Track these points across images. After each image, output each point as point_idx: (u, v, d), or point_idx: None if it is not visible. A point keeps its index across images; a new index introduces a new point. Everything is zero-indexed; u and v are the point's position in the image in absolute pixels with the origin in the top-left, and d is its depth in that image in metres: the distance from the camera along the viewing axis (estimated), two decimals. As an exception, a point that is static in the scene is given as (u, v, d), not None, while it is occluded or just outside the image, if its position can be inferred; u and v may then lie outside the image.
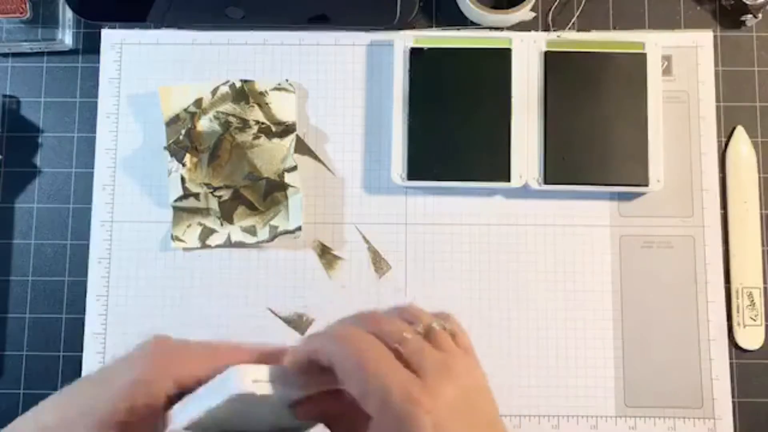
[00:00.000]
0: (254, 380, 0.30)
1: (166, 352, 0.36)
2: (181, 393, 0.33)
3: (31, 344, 0.49)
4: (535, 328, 0.49)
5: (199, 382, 0.33)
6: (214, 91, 0.50)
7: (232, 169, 0.49)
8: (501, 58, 0.50)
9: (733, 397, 0.48)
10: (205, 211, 0.49)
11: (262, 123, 0.49)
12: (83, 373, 0.49)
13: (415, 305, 0.34)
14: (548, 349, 0.49)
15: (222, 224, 0.49)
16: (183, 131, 0.49)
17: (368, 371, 0.30)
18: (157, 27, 0.52)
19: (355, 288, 0.49)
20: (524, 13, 0.50)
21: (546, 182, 0.49)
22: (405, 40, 0.50)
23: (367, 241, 0.50)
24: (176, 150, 0.49)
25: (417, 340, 0.32)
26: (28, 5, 0.51)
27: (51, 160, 0.51)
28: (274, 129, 0.49)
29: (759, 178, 0.50)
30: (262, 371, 0.30)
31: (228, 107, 0.49)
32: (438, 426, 0.30)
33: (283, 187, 0.49)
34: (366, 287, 0.50)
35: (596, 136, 0.49)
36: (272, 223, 0.49)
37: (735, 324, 0.49)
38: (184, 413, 0.30)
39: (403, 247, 0.50)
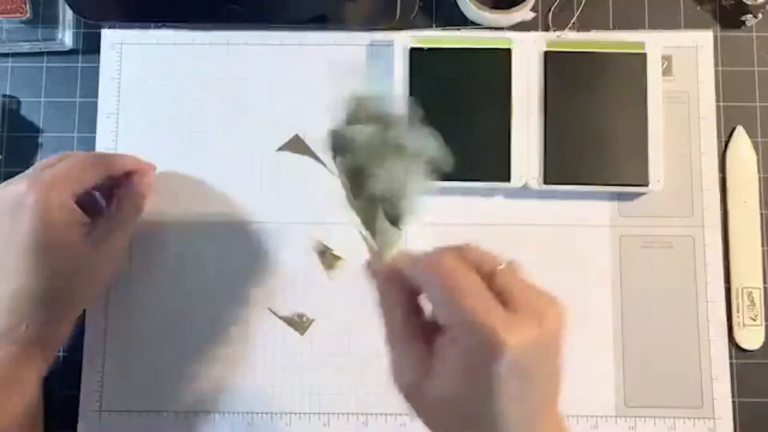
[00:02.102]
0: None
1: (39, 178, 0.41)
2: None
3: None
4: (535, 328, 0.49)
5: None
6: None
7: None
8: (501, 58, 0.50)
9: (733, 397, 0.48)
10: None
11: None
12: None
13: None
14: (548, 349, 0.49)
15: None
16: None
17: (456, 296, 0.31)
18: (157, 27, 0.52)
19: (355, 288, 0.49)
20: (524, 13, 0.50)
21: (546, 182, 0.49)
22: (405, 40, 0.50)
23: (367, 241, 0.50)
24: None
25: (510, 273, 0.32)
26: (28, 5, 0.51)
27: (51, 160, 0.51)
28: None
29: (759, 178, 0.50)
30: None
31: None
32: (514, 364, 0.30)
33: None
34: (366, 287, 0.50)
35: (596, 136, 0.49)
36: None
37: (735, 324, 0.49)
38: None
39: (404, 247, 0.50)
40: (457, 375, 0.31)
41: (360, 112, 0.36)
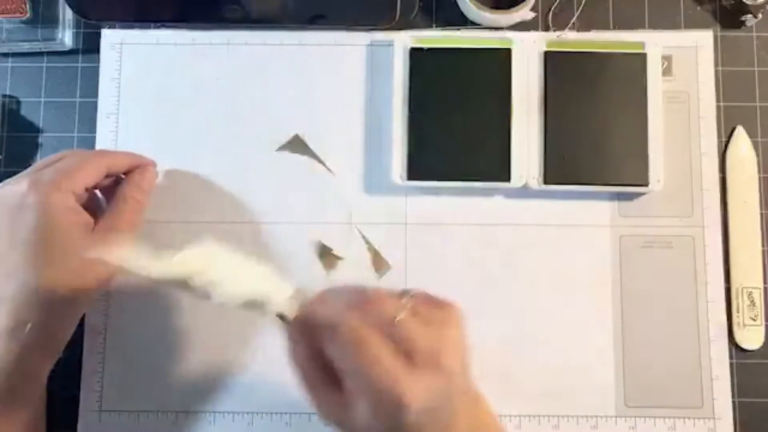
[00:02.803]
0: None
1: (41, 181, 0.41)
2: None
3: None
4: (534, 327, 0.49)
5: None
6: None
7: None
8: (501, 58, 0.50)
9: (733, 397, 0.48)
10: None
11: None
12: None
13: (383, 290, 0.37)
14: (548, 349, 0.49)
15: None
16: None
17: (360, 365, 0.34)
18: (157, 27, 0.52)
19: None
20: (524, 13, 0.50)
21: (546, 182, 0.49)
22: (405, 40, 0.50)
23: (367, 241, 0.50)
24: None
25: (407, 323, 0.35)
26: (28, 5, 0.51)
27: (51, 160, 0.51)
28: None
29: (759, 178, 0.50)
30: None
31: None
32: (421, 413, 0.33)
33: None
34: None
35: (596, 136, 0.49)
36: None
37: (735, 324, 0.49)
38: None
39: (403, 247, 0.50)
40: (372, 422, 0.34)
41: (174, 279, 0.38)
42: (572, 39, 0.51)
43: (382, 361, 0.34)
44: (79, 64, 0.52)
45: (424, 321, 0.35)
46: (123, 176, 0.47)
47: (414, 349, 0.34)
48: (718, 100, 0.51)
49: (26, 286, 0.40)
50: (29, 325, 0.40)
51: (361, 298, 0.36)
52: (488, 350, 0.48)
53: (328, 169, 0.51)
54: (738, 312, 0.49)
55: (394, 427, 0.34)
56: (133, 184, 0.46)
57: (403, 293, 0.37)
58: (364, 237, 0.50)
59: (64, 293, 0.41)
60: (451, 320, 0.36)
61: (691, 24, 0.52)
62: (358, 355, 0.34)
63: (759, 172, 0.50)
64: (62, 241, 0.41)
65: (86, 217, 0.43)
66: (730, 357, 0.49)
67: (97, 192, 0.47)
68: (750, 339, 0.49)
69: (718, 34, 0.52)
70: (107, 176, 0.45)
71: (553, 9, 0.52)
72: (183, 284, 0.37)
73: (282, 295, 0.37)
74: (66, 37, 0.52)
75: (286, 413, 0.48)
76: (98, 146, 0.51)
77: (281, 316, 0.37)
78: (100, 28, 0.52)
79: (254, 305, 0.37)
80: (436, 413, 0.34)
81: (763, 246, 0.50)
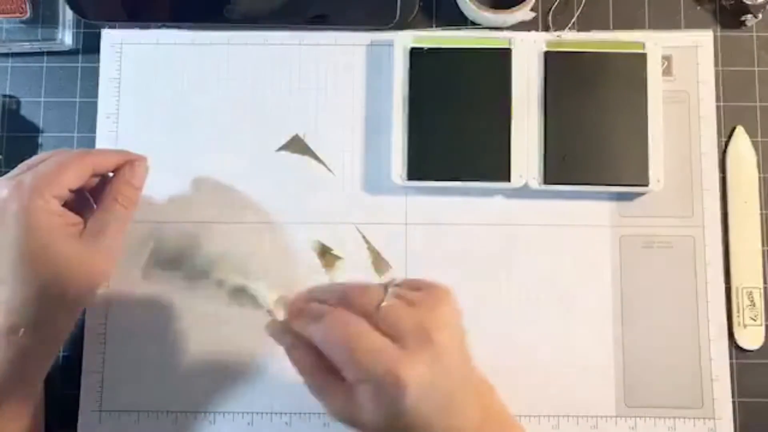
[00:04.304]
0: None
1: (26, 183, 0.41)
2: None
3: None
4: (534, 328, 0.49)
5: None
6: None
7: None
8: (501, 58, 0.50)
9: (733, 397, 0.48)
10: None
11: None
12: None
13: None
14: (548, 349, 0.49)
15: None
16: None
17: (354, 358, 0.34)
18: (157, 27, 0.52)
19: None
20: (524, 13, 0.50)
21: (546, 182, 0.49)
22: (405, 40, 0.50)
23: (367, 241, 0.50)
24: None
25: (393, 307, 0.35)
26: (28, 5, 0.51)
27: (51, 160, 0.51)
28: None
29: (759, 178, 0.50)
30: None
31: None
32: (419, 392, 0.34)
33: None
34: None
35: (596, 136, 0.49)
36: None
37: (735, 324, 0.49)
38: None
39: (403, 247, 0.50)
40: (376, 410, 0.34)
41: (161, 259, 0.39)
42: (572, 39, 0.51)
43: (374, 348, 0.34)
44: (79, 64, 0.52)
45: (410, 303, 0.35)
46: (112, 174, 0.46)
47: (402, 331, 0.34)
48: (718, 100, 0.51)
49: (16, 292, 0.40)
50: (22, 330, 0.40)
51: (344, 292, 0.36)
52: (488, 350, 0.48)
53: (328, 169, 0.51)
54: (738, 312, 0.49)
55: (397, 412, 0.34)
56: (122, 180, 0.44)
57: (389, 282, 0.37)
58: (364, 237, 0.50)
59: (56, 296, 0.41)
60: (440, 300, 0.36)
61: (691, 24, 0.52)
62: (349, 347, 0.34)
63: (759, 172, 0.50)
64: (48, 247, 0.40)
65: (72, 219, 0.42)
66: (730, 357, 0.49)
67: (86, 192, 0.45)
68: (750, 339, 0.49)
69: (718, 34, 0.52)
70: (94, 175, 0.44)
71: (553, 9, 0.52)
72: (181, 259, 0.37)
73: (270, 297, 0.38)
74: (66, 37, 0.52)
75: (286, 413, 0.48)
76: (98, 146, 0.51)
77: (270, 323, 0.38)
78: (100, 28, 0.52)
79: (245, 294, 0.37)
80: (437, 395, 0.35)
81: (763, 246, 0.50)
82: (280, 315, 0.37)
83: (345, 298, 0.36)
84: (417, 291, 0.37)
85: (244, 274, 0.38)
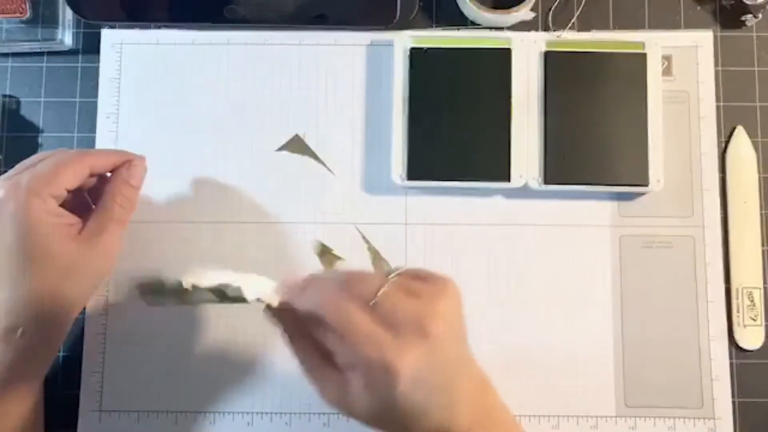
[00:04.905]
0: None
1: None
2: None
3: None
4: (534, 328, 0.49)
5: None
6: None
7: None
8: (501, 58, 0.50)
9: (733, 397, 0.48)
10: None
11: None
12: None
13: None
14: (548, 349, 0.49)
15: None
16: None
17: (347, 342, 0.34)
18: (157, 27, 0.52)
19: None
20: (524, 13, 0.50)
21: (546, 182, 0.49)
22: (405, 40, 0.50)
23: (367, 241, 0.50)
24: None
25: (391, 296, 0.35)
26: (28, 5, 0.51)
27: (51, 160, 0.51)
28: None
29: (759, 178, 0.50)
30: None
31: None
32: (412, 381, 0.34)
33: None
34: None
35: (596, 136, 0.49)
36: None
37: (735, 324, 0.49)
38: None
39: (403, 247, 0.50)
40: (369, 397, 0.34)
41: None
42: (572, 39, 0.51)
43: (368, 334, 0.34)
44: (79, 64, 0.52)
45: (409, 293, 0.35)
46: (110, 174, 0.45)
47: (397, 319, 0.34)
48: (718, 100, 0.51)
49: (14, 292, 0.40)
50: (20, 330, 0.40)
51: (343, 279, 0.36)
52: (488, 350, 0.48)
53: (328, 169, 0.51)
54: (738, 312, 0.49)
55: (389, 398, 0.34)
56: (120, 180, 0.44)
57: (391, 271, 0.37)
58: (364, 237, 0.50)
59: (54, 296, 0.41)
60: (441, 292, 0.36)
61: (691, 24, 0.52)
62: (343, 332, 0.34)
63: (759, 172, 0.50)
64: (44, 247, 0.40)
65: (70, 219, 0.42)
66: (730, 357, 0.49)
67: (84, 193, 0.46)
68: (750, 339, 0.49)
69: (718, 34, 0.52)
70: (92, 175, 0.44)
71: (553, 9, 0.52)
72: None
73: (265, 287, 0.37)
74: (66, 37, 0.52)
75: (286, 413, 0.48)
76: (98, 146, 0.51)
77: (267, 306, 0.38)
78: (100, 28, 0.52)
79: (228, 290, 0.37)
80: (430, 385, 0.34)
81: (763, 246, 0.50)
82: (276, 300, 0.37)
83: (344, 283, 0.36)
84: (419, 281, 0.36)
85: (228, 271, 0.38)
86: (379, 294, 0.35)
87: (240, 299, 0.38)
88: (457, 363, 0.36)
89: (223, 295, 0.38)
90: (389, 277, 0.36)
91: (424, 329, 0.34)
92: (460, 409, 0.36)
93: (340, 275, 0.37)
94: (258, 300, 0.37)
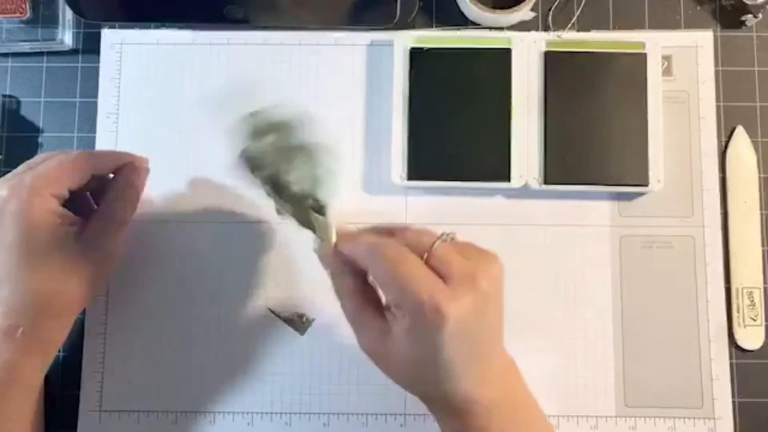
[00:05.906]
0: None
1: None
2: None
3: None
4: (534, 328, 0.49)
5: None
6: None
7: None
8: (501, 58, 0.50)
9: (733, 397, 0.48)
10: None
11: None
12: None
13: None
14: (548, 349, 0.49)
15: None
16: None
17: (400, 280, 0.35)
18: (157, 27, 0.52)
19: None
20: (524, 13, 0.50)
21: (546, 182, 0.49)
22: (405, 40, 0.50)
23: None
24: None
25: (444, 248, 0.37)
26: (28, 5, 0.51)
27: (51, 160, 0.51)
28: None
29: (759, 178, 0.50)
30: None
31: None
32: (456, 328, 0.35)
33: None
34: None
35: (596, 136, 0.49)
36: None
37: (735, 324, 0.49)
38: None
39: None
40: (410, 341, 0.35)
41: (259, 125, 0.40)
42: (572, 39, 0.51)
43: (421, 276, 0.35)
44: (79, 64, 0.52)
45: (463, 253, 0.37)
46: (112, 176, 0.46)
47: (450, 271, 0.35)
48: (718, 100, 0.51)
49: (16, 291, 0.40)
50: (21, 330, 0.40)
51: (399, 229, 0.38)
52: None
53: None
54: (738, 312, 0.49)
55: (431, 344, 0.35)
56: (122, 181, 0.44)
57: (443, 234, 0.38)
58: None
59: (54, 296, 0.41)
60: (493, 259, 0.37)
61: (691, 24, 0.52)
62: (397, 272, 0.35)
63: (759, 172, 0.50)
64: (46, 246, 0.40)
65: (71, 219, 0.42)
66: (730, 357, 0.49)
67: (87, 194, 0.46)
68: (750, 339, 0.49)
69: (718, 34, 0.52)
70: (95, 176, 0.44)
71: (553, 9, 0.52)
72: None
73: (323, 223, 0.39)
74: (66, 37, 0.52)
75: (286, 413, 0.48)
76: (98, 146, 0.51)
77: (322, 245, 0.39)
78: (100, 28, 0.52)
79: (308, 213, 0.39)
80: (471, 340, 0.35)
81: (763, 246, 0.50)
82: (334, 238, 0.39)
83: (399, 233, 0.38)
84: (472, 249, 0.38)
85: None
86: (434, 246, 0.36)
87: (322, 212, 0.39)
88: (495, 330, 0.38)
89: (301, 212, 0.39)
90: (442, 236, 0.37)
91: (476, 283, 0.35)
92: (490, 379, 0.37)
93: (395, 226, 0.39)
94: (317, 236, 0.39)
